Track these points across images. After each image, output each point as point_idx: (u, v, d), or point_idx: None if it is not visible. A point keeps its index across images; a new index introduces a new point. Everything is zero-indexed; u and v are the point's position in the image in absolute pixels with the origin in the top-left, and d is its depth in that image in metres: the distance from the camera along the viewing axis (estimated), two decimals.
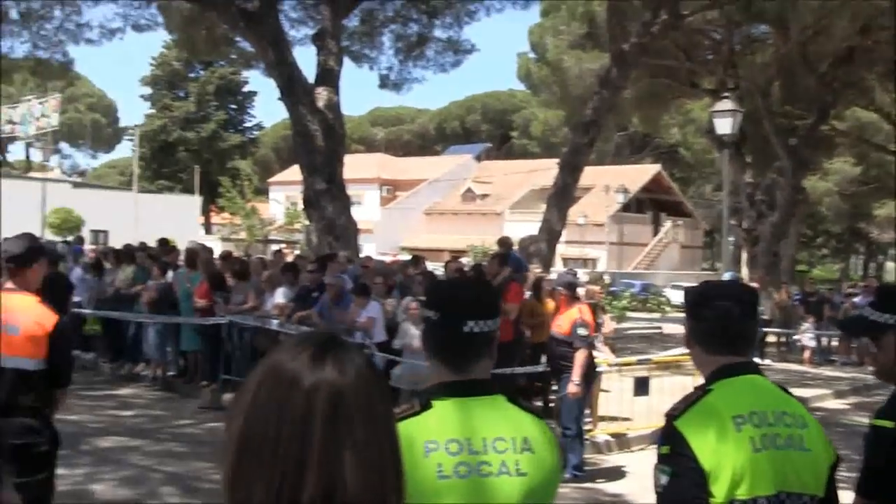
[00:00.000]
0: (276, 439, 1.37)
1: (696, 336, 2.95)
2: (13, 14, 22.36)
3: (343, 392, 1.41)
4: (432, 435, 2.33)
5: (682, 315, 3.08)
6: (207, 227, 68.14)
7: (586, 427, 10.93)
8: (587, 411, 11.09)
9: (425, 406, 2.40)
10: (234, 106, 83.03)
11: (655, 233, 63.60)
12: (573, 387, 9.71)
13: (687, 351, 3.15)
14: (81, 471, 9.17)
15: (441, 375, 2.49)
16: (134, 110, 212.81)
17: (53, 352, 5.18)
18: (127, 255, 16.63)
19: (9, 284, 5.37)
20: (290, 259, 18.04)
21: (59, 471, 5.68)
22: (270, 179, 72.60)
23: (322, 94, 19.32)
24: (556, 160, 22.53)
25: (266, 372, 1.44)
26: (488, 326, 2.48)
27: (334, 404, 1.40)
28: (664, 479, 2.63)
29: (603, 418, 12.18)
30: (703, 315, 2.92)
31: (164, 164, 78.97)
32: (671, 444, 2.67)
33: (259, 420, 1.40)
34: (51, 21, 22.85)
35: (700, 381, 2.97)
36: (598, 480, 10.06)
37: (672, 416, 2.73)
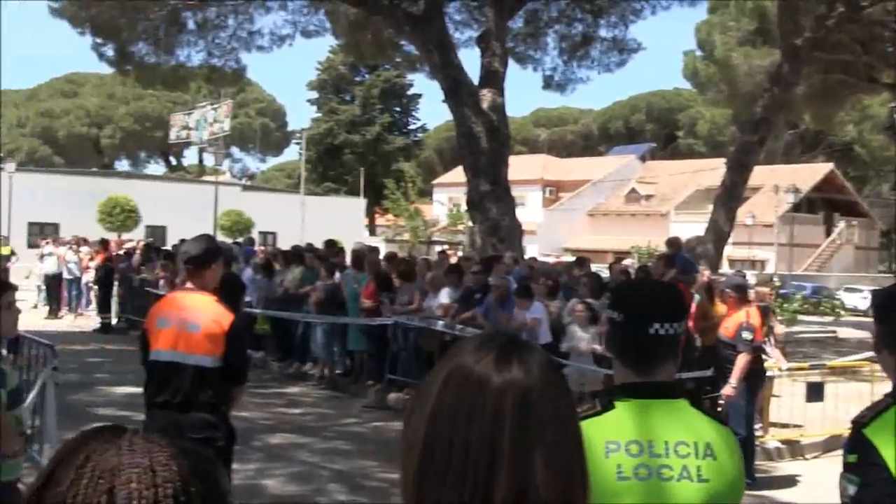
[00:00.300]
0: (466, 441, 1.35)
1: (885, 340, 2.81)
2: (190, 24, 23.25)
3: (531, 392, 1.39)
4: (613, 436, 2.31)
5: (858, 319, 2.95)
6: (372, 229, 69.35)
7: (756, 433, 10.64)
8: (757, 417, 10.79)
9: (607, 407, 2.37)
10: (398, 109, 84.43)
11: (828, 234, 61.37)
12: (728, 389, 9.51)
13: (865, 356, 3.01)
14: (253, 466, 9.44)
15: (624, 377, 2.45)
16: (301, 114, 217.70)
17: (230, 350, 5.33)
18: (295, 256, 17.03)
19: (188, 284, 5.57)
20: (453, 260, 18.16)
21: (233, 465, 5.85)
22: (434, 181, 73.22)
23: (486, 96, 19.38)
24: (723, 159, 22.10)
25: (450, 374, 1.42)
26: (674, 329, 2.43)
27: (523, 405, 1.38)
28: (852, 490, 2.52)
29: (774, 424, 11.82)
30: (891, 318, 2.79)
31: (330, 167, 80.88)
32: (859, 452, 2.56)
33: (446, 423, 1.38)
34: (225, 30, 23.63)
35: (885, 388, 2.83)
36: (769, 488, 9.76)
37: (860, 423, 2.61)
